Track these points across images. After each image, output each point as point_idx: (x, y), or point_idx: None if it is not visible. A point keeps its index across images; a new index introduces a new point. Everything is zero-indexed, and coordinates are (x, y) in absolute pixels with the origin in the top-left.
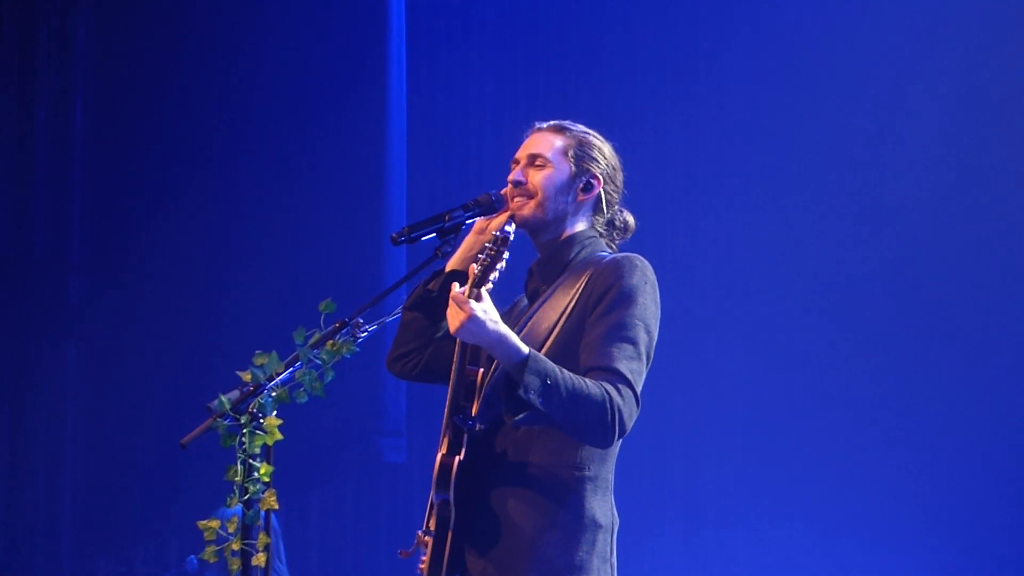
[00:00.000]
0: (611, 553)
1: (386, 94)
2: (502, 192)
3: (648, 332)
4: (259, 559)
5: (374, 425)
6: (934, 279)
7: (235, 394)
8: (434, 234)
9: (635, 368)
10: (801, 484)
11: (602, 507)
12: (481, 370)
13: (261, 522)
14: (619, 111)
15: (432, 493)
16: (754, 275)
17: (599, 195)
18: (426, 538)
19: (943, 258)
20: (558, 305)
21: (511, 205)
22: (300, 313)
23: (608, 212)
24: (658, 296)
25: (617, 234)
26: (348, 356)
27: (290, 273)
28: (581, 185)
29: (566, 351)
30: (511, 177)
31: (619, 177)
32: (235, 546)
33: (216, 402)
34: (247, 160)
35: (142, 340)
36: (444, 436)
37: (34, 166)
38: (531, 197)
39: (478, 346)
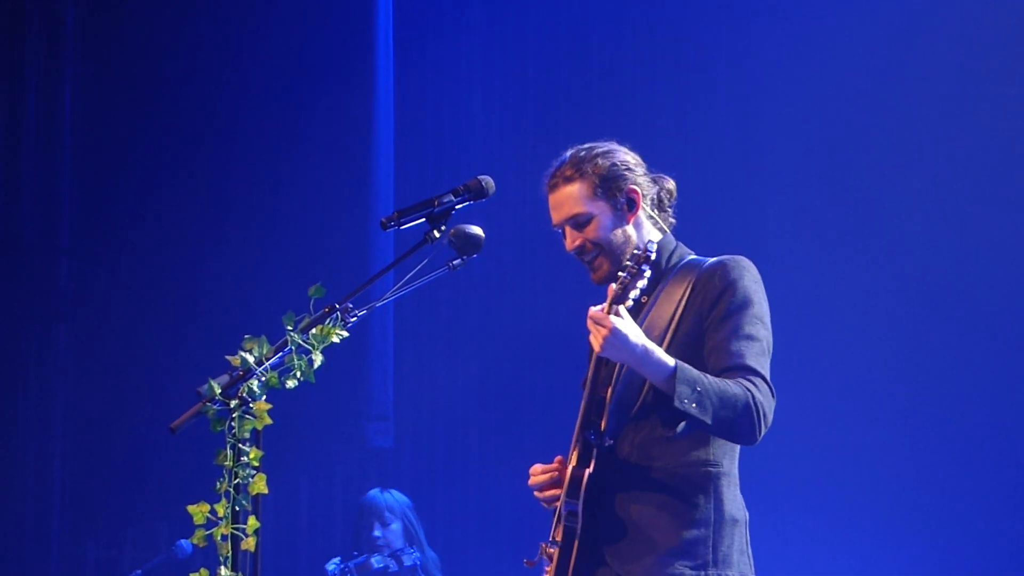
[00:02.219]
0: (747, 545)
1: (374, 80)
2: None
3: (767, 328)
4: (248, 543)
5: (361, 410)
6: (945, 280)
7: (224, 379)
8: (423, 219)
9: (764, 362)
10: (799, 483)
11: (736, 501)
12: (609, 388)
13: (250, 506)
14: (607, 101)
15: (560, 504)
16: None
17: (642, 198)
18: (551, 549)
19: (945, 260)
20: (665, 313)
21: (593, 276)
22: (289, 298)
23: (653, 206)
24: (764, 292)
25: (667, 201)
26: (337, 341)
27: (279, 258)
28: (625, 207)
29: (684, 356)
30: (569, 249)
31: (639, 166)
32: (224, 530)
33: (206, 387)
34: (237, 146)
35: (132, 324)
36: (574, 450)
37: (23, 150)
38: (596, 254)
39: (622, 362)
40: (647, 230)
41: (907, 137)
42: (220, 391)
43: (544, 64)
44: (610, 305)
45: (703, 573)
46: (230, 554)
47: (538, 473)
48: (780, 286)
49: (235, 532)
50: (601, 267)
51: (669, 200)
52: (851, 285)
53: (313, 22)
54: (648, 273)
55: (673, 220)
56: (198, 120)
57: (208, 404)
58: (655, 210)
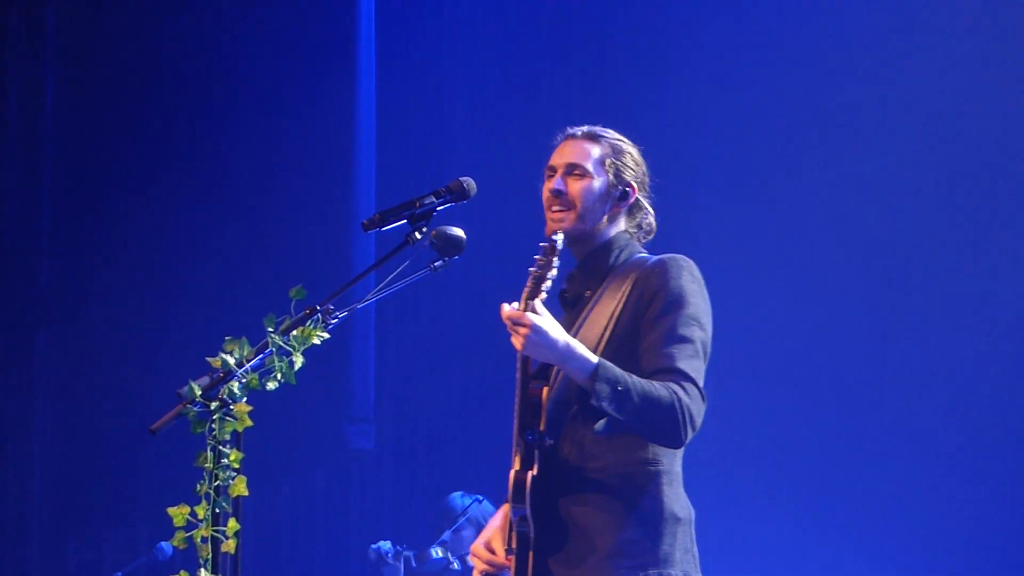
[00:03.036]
0: (692, 543)
1: (356, 79)
2: (543, 200)
3: (703, 329)
4: (228, 545)
5: (342, 411)
6: (935, 276)
7: (205, 380)
8: (405, 220)
9: (696, 365)
10: (796, 483)
11: (678, 500)
12: (545, 387)
13: (231, 508)
14: (590, 103)
15: (509, 509)
16: (752, 273)
17: (635, 202)
18: (509, 557)
19: (943, 257)
20: (607, 309)
21: (549, 216)
22: (270, 299)
23: (639, 217)
24: (706, 293)
25: (643, 235)
26: (318, 342)
27: (261, 259)
28: (618, 194)
29: (620, 354)
30: (551, 185)
31: (647, 181)
32: (205, 532)
33: (186, 388)
34: (218, 148)
35: (112, 326)
36: (516, 454)
37: (4, 152)
38: (570, 208)
39: (544, 360)
40: (615, 224)
41: (900, 130)
42: (201, 393)
43: (526, 66)
44: (525, 302)
45: (644, 573)
46: (210, 556)
47: (480, 555)
48: (770, 282)
49: (215, 534)
50: (562, 222)
51: (646, 233)
52: (845, 281)
53: (295, 24)
54: (557, 263)
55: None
56: (179, 123)
57: (189, 406)
58: (633, 221)
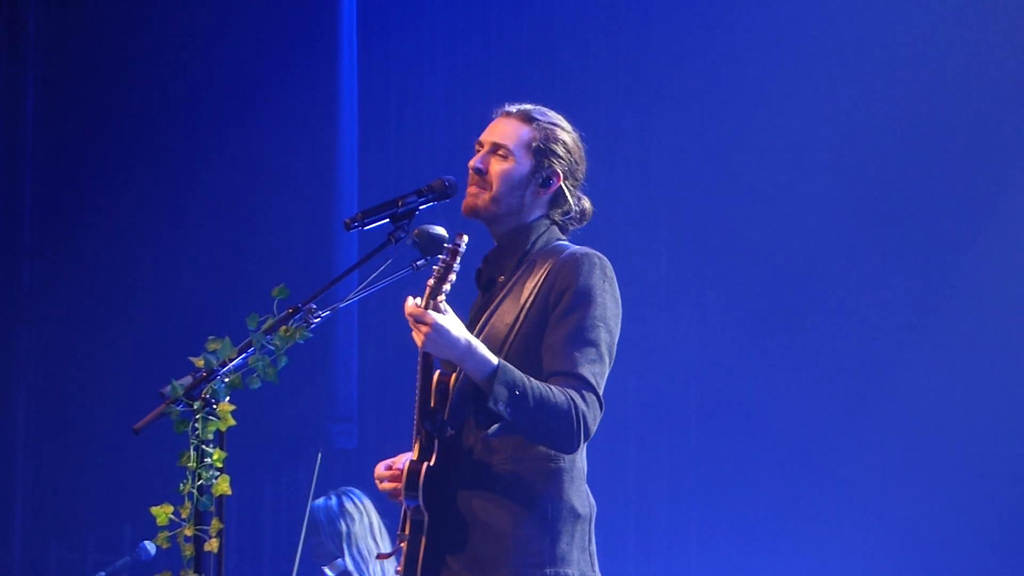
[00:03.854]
0: (590, 542)
1: (337, 78)
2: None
3: (609, 331)
4: (212, 545)
5: (325, 411)
6: (929, 276)
7: (188, 380)
8: (387, 220)
9: (598, 371)
10: (794, 481)
11: (579, 496)
12: (452, 375)
13: (214, 508)
14: (573, 98)
15: (403, 499)
16: (727, 266)
17: (558, 190)
18: (401, 543)
19: (940, 256)
20: (518, 300)
21: (467, 191)
22: (253, 299)
23: (565, 206)
24: (617, 292)
25: (572, 221)
26: (301, 342)
27: (243, 259)
28: (540, 180)
29: (529, 347)
30: (472, 163)
31: (581, 169)
32: (188, 532)
33: (169, 388)
34: (199, 147)
35: (94, 326)
36: (415, 442)
37: None
38: (486, 188)
39: (444, 358)
40: (536, 210)
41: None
42: (183, 392)
43: (509, 64)
44: (428, 300)
45: (540, 572)
46: (194, 556)
47: (380, 476)
48: (758, 278)
49: (199, 533)
50: (475, 199)
51: (577, 219)
52: (836, 277)
53: (276, 24)
54: (457, 267)
55: (567, 232)
56: (160, 122)
57: (172, 405)
58: (557, 210)
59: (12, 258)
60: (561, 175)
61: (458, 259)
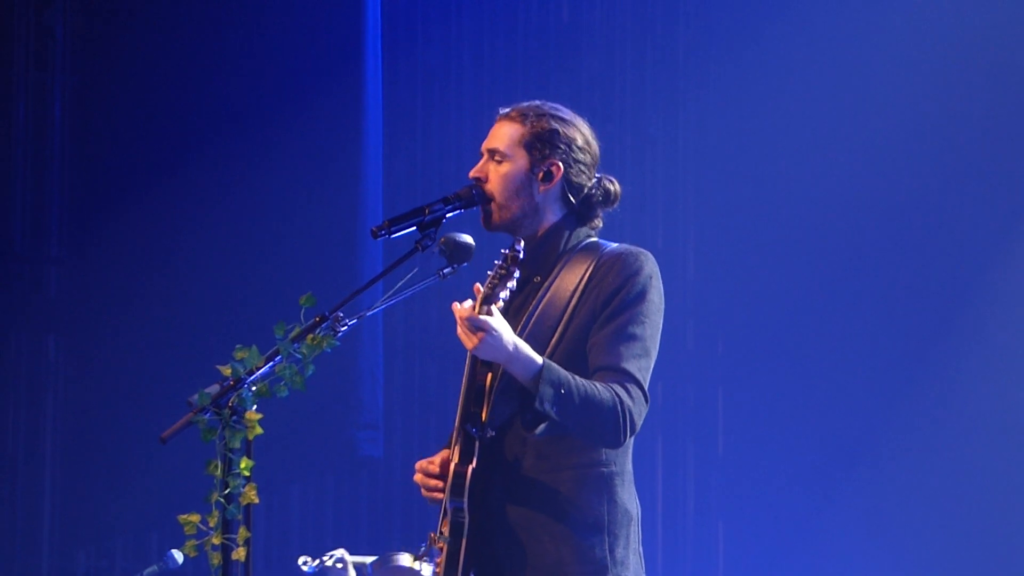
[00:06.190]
0: (639, 542)
1: (363, 86)
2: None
3: (654, 327)
4: (239, 553)
5: (351, 419)
6: (961, 282)
7: (215, 388)
8: (414, 228)
9: (643, 365)
10: (822, 486)
11: (631, 498)
12: (490, 374)
13: (241, 516)
14: (599, 104)
15: (446, 499)
16: (753, 271)
17: (565, 179)
18: (440, 543)
19: (943, 258)
20: (560, 301)
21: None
22: (280, 307)
23: (576, 196)
24: (662, 289)
25: (599, 205)
26: (328, 350)
27: (270, 267)
28: (540, 175)
29: (576, 346)
30: (471, 174)
31: (587, 154)
32: (215, 540)
33: (196, 396)
34: (227, 155)
35: (121, 334)
36: (456, 444)
37: (13, 159)
38: (491, 198)
39: (492, 360)
40: (554, 207)
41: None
42: (211, 401)
43: (534, 71)
44: (481, 305)
45: None
46: (221, 564)
47: (424, 470)
48: (772, 281)
49: (226, 542)
50: (490, 216)
51: (602, 202)
52: (847, 280)
53: (302, 32)
54: (517, 273)
55: (600, 223)
56: (188, 130)
57: (199, 414)
58: (575, 199)
59: (40, 265)
60: (560, 164)
61: (515, 266)
